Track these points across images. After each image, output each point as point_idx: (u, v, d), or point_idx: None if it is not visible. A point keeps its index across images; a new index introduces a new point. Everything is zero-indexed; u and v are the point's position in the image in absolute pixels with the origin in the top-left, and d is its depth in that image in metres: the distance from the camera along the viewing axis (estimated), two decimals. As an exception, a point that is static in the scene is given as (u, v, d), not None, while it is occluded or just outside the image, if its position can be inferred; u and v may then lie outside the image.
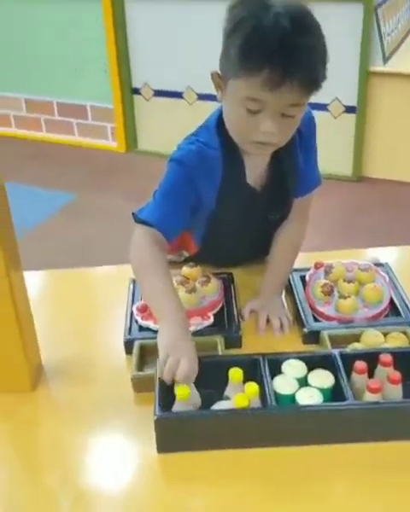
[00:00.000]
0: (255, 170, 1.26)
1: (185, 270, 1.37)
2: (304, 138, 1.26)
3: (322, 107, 3.52)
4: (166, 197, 1.21)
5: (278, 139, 1.12)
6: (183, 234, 1.30)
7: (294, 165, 1.28)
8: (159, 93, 4.02)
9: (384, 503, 0.94)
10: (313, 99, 1.10)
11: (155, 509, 0.96)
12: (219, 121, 1.20)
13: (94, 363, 1.23)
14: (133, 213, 1.22)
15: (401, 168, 3.66)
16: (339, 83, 3.35)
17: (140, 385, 1.13)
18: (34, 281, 1.41)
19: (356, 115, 3.57)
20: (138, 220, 1.20)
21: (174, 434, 1.01)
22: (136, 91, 4.08)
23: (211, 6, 3.44)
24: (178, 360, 1.02)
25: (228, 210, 1.27)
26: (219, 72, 1.12)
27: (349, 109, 3.58)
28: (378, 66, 3.48)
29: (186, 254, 1.47)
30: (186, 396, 1.00)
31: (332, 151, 3.58)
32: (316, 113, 1.28)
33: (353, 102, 3.55)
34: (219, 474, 0.99)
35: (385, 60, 3.52)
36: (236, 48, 1.03)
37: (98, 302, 1.44)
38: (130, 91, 4.08)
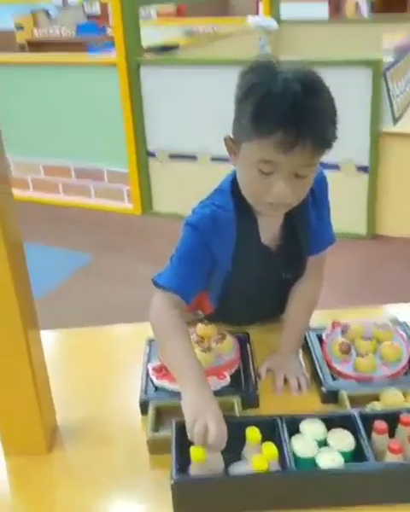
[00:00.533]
0: (269, 230, 1.28)
1: (200, 328, 1.37)
2: (316, 197, 1.28)
3: (334, 166, 3.57)
4: (183, 261, 1.23)
5: (291, 200, 1.14)
6: (199, 294, 1.31)
7: (307, 224, 1.29)
8: (173, 156, 4.10)
9: None
10: (326, 159, 1.13)
11: None
12: (233, 184, 1.23)
13: (109, 424, 1.22)
14: (153, 279, 1.23)
15: (414, 226, 3.67)
16: (351, 143, 3.41)
17: (156, 447, 1.11)
18: (50, 340, 1.41)
19: (369, 175, 3.62)
20: (158, 286, 1.22)
21: (192, 499, 0.99)
22: (151, 154, 4.17)
23: (222, 72, 3.57)
24: (205, 425, 1.00)
25: (243, 270, 1.28)
26: (232, 136, 1.15)
27: (362, 169, 3.62)
28: (389, 127, 3.54)
29: (202, 314, 1.47)
30: (202, 457, 0.98)
31: (346, 210, 3.61)
32: (329, 173, 1.31)
33: (365, 162, 3.60)
34: (238, 540, 0.96)
35: (395, 120, 3.59)
36: (248, 113, 1.06)
37: (114, 362, 1.43)
38: (145, 155, 4.17)
